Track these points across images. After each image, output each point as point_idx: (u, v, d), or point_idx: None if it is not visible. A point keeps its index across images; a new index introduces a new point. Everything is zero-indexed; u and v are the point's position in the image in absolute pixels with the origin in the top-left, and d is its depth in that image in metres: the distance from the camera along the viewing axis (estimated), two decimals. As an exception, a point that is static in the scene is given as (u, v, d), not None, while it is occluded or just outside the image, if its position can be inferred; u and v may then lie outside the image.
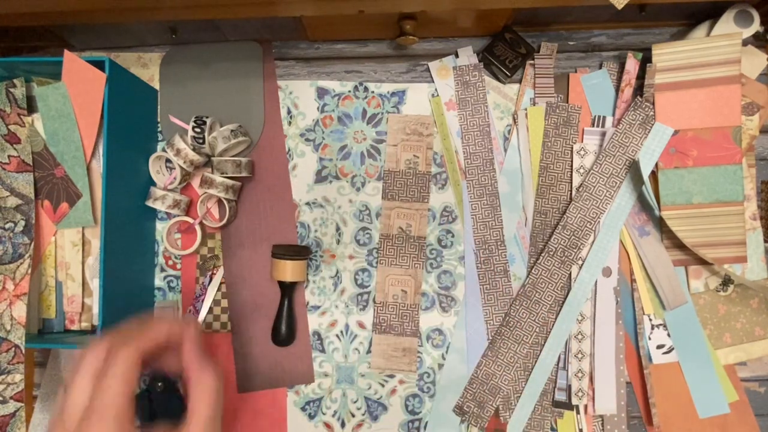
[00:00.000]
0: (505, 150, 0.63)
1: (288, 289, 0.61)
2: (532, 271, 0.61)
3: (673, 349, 0.61)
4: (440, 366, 0.62)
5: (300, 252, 0.60)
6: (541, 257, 0.61)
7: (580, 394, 0.60)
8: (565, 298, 0.60)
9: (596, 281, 0.61)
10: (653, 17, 0.61)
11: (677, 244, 0.60)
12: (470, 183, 0.62)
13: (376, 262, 0.63)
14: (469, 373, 0.61)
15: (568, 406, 0.60)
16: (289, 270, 0.59)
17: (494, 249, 0.62)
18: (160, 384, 0.62)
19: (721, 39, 0.58)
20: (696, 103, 0.59)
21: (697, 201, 0.59)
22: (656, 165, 0.60)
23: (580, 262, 0.61)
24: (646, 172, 0.59)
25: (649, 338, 0.61)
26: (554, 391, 0.61)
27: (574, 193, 0.61)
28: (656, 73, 0.59)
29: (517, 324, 0.61)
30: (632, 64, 0.62)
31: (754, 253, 0.61)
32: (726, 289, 0.61)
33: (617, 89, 0.63)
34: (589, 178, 0.60)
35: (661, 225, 0.61)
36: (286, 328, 0.61)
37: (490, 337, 0.61)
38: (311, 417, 0.62)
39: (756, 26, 0.58)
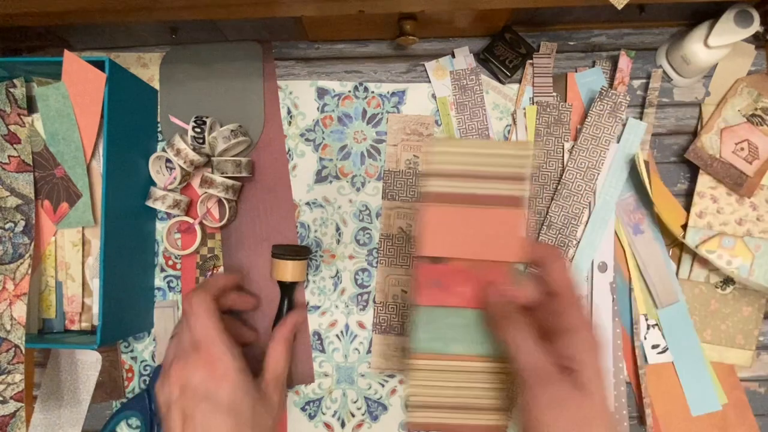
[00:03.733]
0: (505, 150, 0.63)
1: (288, 289, 0.61)
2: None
3: (667, 349, 0.61)
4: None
5: (300, 252, 0.60)
6: None
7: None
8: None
9: (593, 277, 0.61)
10: (653, 17, 0.61)
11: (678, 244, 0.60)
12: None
13: (376, 262, 0.63)
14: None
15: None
16: (289, 270, 0.59)
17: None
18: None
19: (511, 147, 0.44)
20: (470, 226, 0.44)
21: (456, 351, 0.45)
22: (414, 300, 0.46)
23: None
24: (627, 165, 0.59)
25: (645, 338, 0.61)
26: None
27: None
28: (431, 177, 0.44)
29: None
30: (625, 62, 0.62)
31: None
32: (725, 288, 0.61)
33: (611, 87, 0.63)
34: (566, 174, 0.60)
35: (660, 225, 0.61)
36: (286, 328, 0.61)
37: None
38: (311, 417, 0.63)
39: (756, 26, 0.58)
